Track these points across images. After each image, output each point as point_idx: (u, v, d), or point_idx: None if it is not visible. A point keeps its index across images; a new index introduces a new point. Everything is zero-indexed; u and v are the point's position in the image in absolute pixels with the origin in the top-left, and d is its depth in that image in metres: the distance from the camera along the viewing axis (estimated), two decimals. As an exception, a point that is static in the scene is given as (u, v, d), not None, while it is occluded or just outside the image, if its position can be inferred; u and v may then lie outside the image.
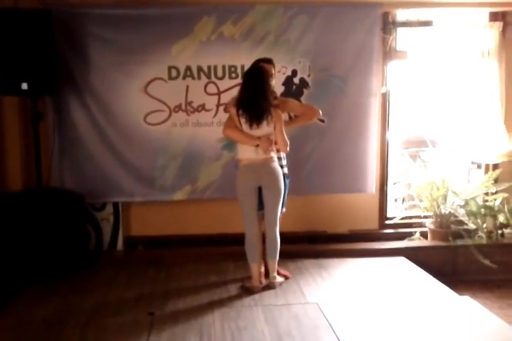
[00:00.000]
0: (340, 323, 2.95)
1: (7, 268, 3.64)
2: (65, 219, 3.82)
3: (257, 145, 3.30)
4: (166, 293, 3.47)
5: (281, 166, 3.49)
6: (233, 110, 3.36)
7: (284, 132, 3.34)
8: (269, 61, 3.48)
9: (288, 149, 3.39)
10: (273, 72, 3.45)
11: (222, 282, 3.63)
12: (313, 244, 4.39)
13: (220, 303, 3.28)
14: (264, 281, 3.55)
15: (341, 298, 3.38)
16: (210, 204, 4.31)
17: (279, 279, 3.55)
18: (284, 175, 3.48)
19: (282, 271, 3.70)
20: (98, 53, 4.03)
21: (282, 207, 3.52)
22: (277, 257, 3.48)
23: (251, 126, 3.30)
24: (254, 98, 3.26)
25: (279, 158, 3.49)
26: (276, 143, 3.39)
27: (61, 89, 3.97)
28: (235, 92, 3.96)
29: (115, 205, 4.31)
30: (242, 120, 3.32)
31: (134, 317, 3.07)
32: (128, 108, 4.12)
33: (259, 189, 3.41)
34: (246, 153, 3.37)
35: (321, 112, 3.57)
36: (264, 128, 3.31)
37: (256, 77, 3.30)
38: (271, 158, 3.37)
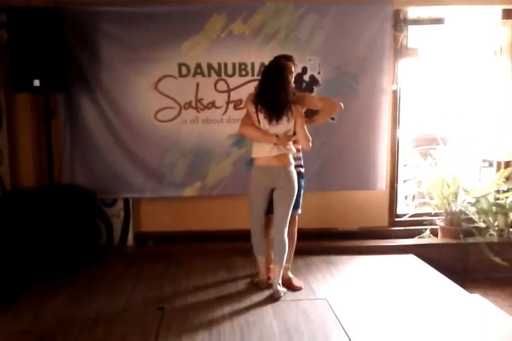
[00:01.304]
0: (349, 319, 2.96)
1: (18, 263, 3.68)
2: (76, 215, 3.86)
3: (275, 144, 3.20)
4: (175, 287, 3.50)
5: (298, 166, 3.40)
6: (251, 107, 3.25)
7: (305, 128, 3.22)
8: (289, 58, 3.38)
9: (310, 145, 3.24)
10: (293, 69, 3.37)
11: (231, 277, 3.65)
12: (323, 240, 4.38)
13: (229, 298, 3.29)
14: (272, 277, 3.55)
15: (350, 294, 3.37)
16: (219, 200, 4.32)
17: (282, 289, 3.35)
18: (300, 175, 3.41)
19: (296, 282, 3.50)
20: (109, 50, 4.06)
21: (298, 208, 3.46)
22: (283, 263, 3.31)
23: (270, 121, 3.18)
24: (275, 93, 3.16)
25: (298, 158, 3.42)
26: (295, 142, 3.29)
27: (72, 86, 4.00)
28: (244, 89, 4.00)
29: (125, 201, 4.34)
30: (261, 115, 3.20)
31: (143, 312, 3.09)
32: (138, 105, 4.15)
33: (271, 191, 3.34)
34: (262, 151, 3.25)
35: (342, 105, 3.37)
36: (284, 124, 3.20)
37: (277, 73, 3.20)
38: (287, 157, 3.25)
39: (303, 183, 3.48)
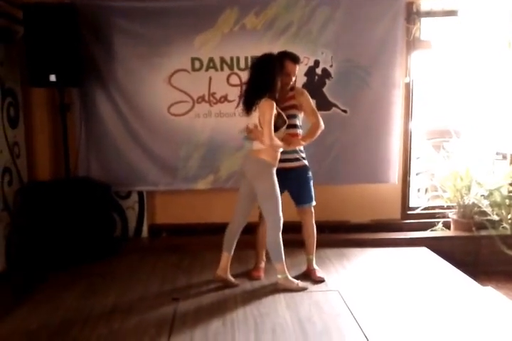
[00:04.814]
0: (360, 310, 2.98)
1: (34, 255, 3.77)
2: (91, 208, 3.93)
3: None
4: (189, 278, 3.56)
5: (301, 158, 3.43)
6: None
7: (270, 125, 3.06)
8: (297, 60, 3.32)
9: (269, 142, 3.09)
10: (296, 71, 3.34)
11: (243, 269, 3.69)
12: (336, 233, 4.41)
13: (242, 290, 3.34)
14: (262, 276, 3.55)
15: (362, 286, 3.40)
16: (231, 193, 4.28)
17: (286, 282, 3.31)
18: (305, 167, 3.45)
19: (318, 273, 3.53)
20: (122, 45, 4.10)
21: (311, 200, 3.49)
22: (274, 259, 3.29)
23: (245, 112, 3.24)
24: (251, 86, 3.19)
25: (300, 151, 3.44)
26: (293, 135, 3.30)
27: (87, 81, 4.06)
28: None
29: (140, 194, 4.40)
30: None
31: (158, 303, 3.14)
32: (152, 99, 4.19)
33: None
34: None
35: (323, 127, 3.40)
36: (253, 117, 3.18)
37: (265, 68, 3.12)
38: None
39: (310, 175, 3.49)
